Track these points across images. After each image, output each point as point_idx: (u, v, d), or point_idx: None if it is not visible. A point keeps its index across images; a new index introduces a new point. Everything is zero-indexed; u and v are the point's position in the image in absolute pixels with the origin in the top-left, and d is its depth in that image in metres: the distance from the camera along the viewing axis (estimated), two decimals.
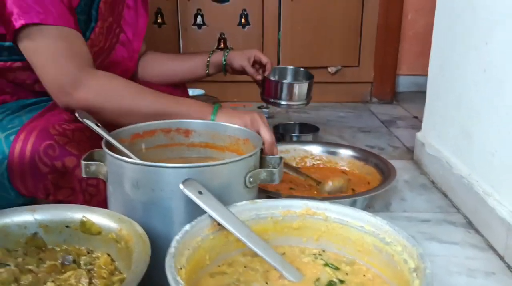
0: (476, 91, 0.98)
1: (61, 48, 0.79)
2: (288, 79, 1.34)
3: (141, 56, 1.13)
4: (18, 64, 0.85)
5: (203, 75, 1.19)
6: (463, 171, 1.02)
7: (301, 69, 1.36)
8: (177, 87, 1.18)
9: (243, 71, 1.19)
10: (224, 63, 1.17)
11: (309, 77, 1.30)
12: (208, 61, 1.17)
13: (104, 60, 0.97)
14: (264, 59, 1.19)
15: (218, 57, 1.17)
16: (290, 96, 1.24)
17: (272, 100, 1.24)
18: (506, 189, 0.86)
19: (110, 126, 0.76)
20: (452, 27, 1.12)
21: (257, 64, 1.21)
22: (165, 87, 1.09)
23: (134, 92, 0.83)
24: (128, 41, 1.02)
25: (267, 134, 0.82)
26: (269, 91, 1.24)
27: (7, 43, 0.82)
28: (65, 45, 0.79)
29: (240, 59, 1.17)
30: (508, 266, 0.80)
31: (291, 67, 1.38)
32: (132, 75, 1.10)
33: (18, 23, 0.76)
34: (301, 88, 1.25)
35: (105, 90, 0.81)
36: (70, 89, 0.78)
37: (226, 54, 1.17)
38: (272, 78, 1.25)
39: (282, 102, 1.23)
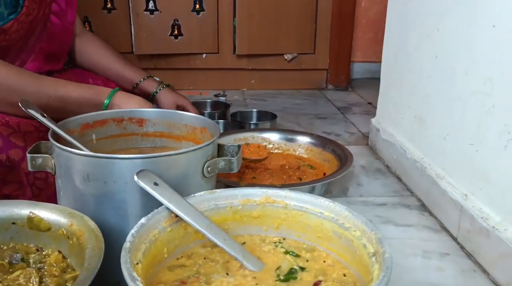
0: (429, 77, 1.00)
1: None
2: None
3: (79, 36, 1.09)
4: None
5: (127, 90, 1.09)
6: (416, 155, 1.05)
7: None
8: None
9: None
10: (151, 97, 1.11)
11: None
12: (135, 86, 1.11)
13: (41, 33, 0.92)
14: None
15: (148, 87, 1.11)
16: None
17: None
18: (457, 172, 0.88)
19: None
20: (404, 14, 1.14)
21: None
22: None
23: (19, 83, 0.76)
24: (61, 12, 0.97)
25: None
26: None
27: None
28: None
29: (167, 103, 1.10)
30: (462, 247, 0.83)
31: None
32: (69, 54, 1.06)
33: None
34: None
35: None
36: None
37: (159, 90, 1.11)
38: None
39: None
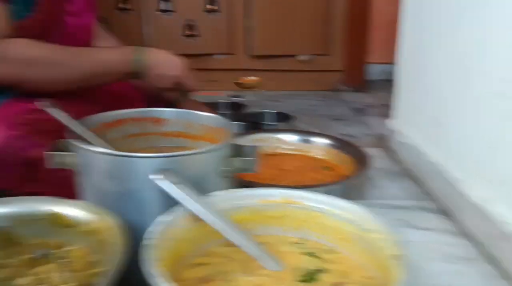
0: (445, 78, 0.99)
1: None
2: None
3: (98, 38, 1.09)
4: None
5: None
6: (434, 157, 1.03)
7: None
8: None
9: None
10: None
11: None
12: None
13: (55, 33, 0.93)
14: None
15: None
16: None
17: None
18: (477, 175, 0.87)
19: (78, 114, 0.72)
20: (419, 14, 1.13)
21: None
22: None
23: (56, 57, 0.82)
24: (78, 12, 0.98)
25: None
26: None
27: None
28: None
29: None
30: (483, 252, 0.81)
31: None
32: None
33: None
34: None
35: (25, 59, 0.80)
36: None
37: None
38: None
39: None
